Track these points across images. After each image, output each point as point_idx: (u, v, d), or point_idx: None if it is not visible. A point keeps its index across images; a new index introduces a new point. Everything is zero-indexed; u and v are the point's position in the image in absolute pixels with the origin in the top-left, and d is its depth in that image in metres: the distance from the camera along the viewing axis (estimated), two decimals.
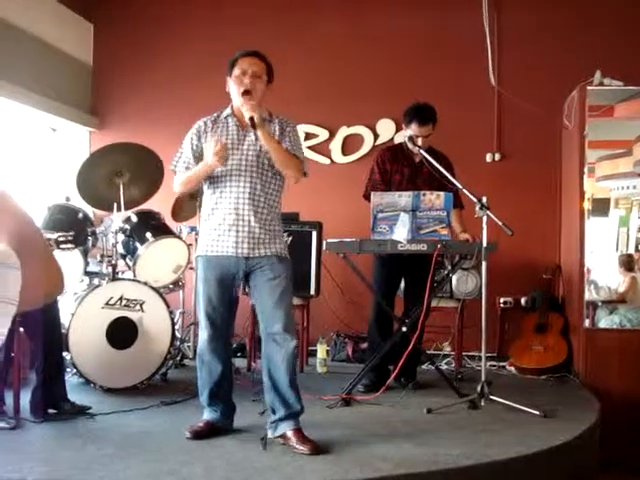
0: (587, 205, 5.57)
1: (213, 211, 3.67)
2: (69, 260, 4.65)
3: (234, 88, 3.66)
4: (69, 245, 4.15)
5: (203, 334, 3.71)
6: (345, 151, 6.46)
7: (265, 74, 3.68)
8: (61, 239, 4.11)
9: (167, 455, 3.37)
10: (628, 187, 6.41)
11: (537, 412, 4.18)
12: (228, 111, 3.75)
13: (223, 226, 3.61)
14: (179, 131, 6.51)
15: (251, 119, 3.52)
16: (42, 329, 3.94)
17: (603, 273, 6.21)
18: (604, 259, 6.34)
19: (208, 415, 3.76)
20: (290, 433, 3.52)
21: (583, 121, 5.52)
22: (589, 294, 5.71)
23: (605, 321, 5.87)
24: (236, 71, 3.64)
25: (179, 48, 6.84)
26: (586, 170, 5.53)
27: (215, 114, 3.78)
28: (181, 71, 6.80)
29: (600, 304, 5.99)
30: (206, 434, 3.66)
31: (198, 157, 3.70)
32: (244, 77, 3.61)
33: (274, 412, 3.61)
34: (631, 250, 6.44)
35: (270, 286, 3.62)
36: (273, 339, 3.61)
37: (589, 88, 5.51)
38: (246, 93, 3.58)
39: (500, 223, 4.24)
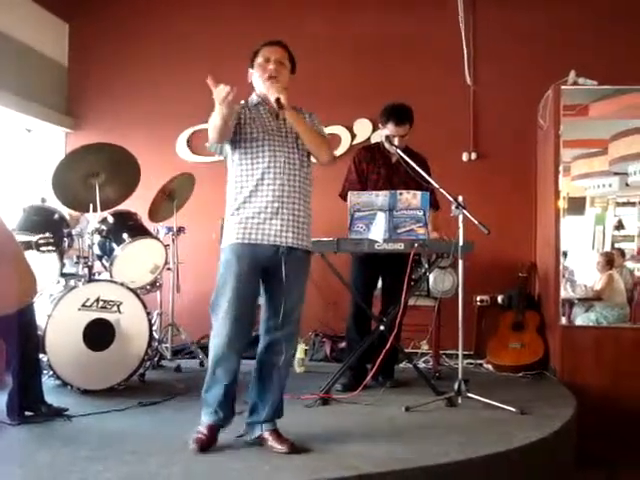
0: (563, 204, 5.62)
1: (252, 198, 3.45)
2: (45, 261, 4.61)
3: (258, 75, 3.55)
4: (50, 247, 4.13)
5: (226, 330, 3.42)
6: None
7: (288, 62, 3.61)
8: (41, 241, 4.09)
9: (145, 457, 3.34)
10: (603, 185, 6.47)
11: (514, 409, 4.21)
12: (256, 99, 3.61)
13: (264, 214, 3.43)
14: (155, 131, 6.58)
15: (277, 100, 3.39)
16: (17, 331, 3.90)
17: (579, 271, 6.26)
18: (580, 257, 6.39)
19: (210, 418, 3.48)
20: (267, 434, 3.50)
21: (558, 120, 5.56)
22: (565, 292, 5.76)
23: (582, 318, 5.93)
24: (259, 59, 3.55)
25: (155, 48, 6.84)
26: (561, 169, 5.58)
27: (242, 102, 3.57)
28: (157, 71, 6.79)
29: (576, 302, 6.05)
30: (213, 442, 3.43)
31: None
32: (267, 64, 3.53)
33: (253, 412, 3.57)
34: (607, 248, 6.51)
35: (295, 285, 3.51)
36: (279, 341, 3.52)
37: (563, 88, 5.56)
38: (271, 78, 3.49)
39: (476, 222, 4.26)
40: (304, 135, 3.50)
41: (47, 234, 4.27)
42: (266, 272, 3.49)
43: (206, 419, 3.49)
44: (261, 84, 3.53)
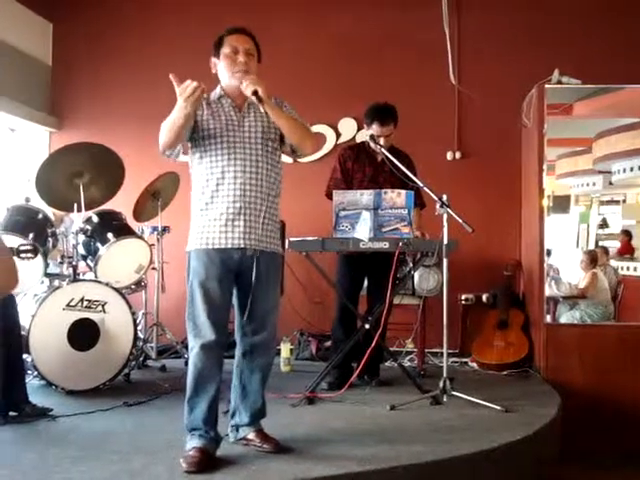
0: (547, 202, 5.65)
1: (213, 199, 3.30)
2: (29, 262, 4.59)
3: (224, 67, 3.35)
4: (29, 255, 4.11)
5: (202, 341, 3.27)
6: None
7: (255, 51, 3.40)
8: (22, 248, 4.07)
9: (131, 456, 3.34)
10: (588, 184, 6.51)
11: (498, 407, 4.23)
12: (219, 92, 3.42)
13: (226, 215, 3.28)
14: (139, 130, 6.56)
15: (255, 93, 3.19)
16: (1, 331, 3.89)
17: (564, 269, 6.30)
18: (565, 255, 6.43)
19: (199, 441, 3.27)
20: (252, 435, 3.47)
21: (542, 119, 5.59)
22: (550, 290, 5.79)
23: (566, 316, 5.96)
24: (225, 49, 3.34)
25: (138, 47, 6.82)
26: (545, 168, 5.60)
27: (204, 96, 3.30)
28: (140, 70, 6.77)
29: (561, 300, 6.08)
30: (206, 463, 3.16)
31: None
32: (236, 55, 3.32)
33: (235, 416, 3.54)
34: (591, 246, 6.54)
35: (267, 289, 3.39)
36: (255, 347, 3.44)
37: (547, 86, 5.58)
38: (245, 72, 3.29)
39: (460, 220, 4.27)
40: (285, 126, 3.32)
41: (28, 242, 4.26)
42: (237, 276, 3.36)
43: (194, 442, 3.28)
44: (228, 76, 3.36)
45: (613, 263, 6.40)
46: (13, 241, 4.47)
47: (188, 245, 3.40)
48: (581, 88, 5.75)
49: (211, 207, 3.32)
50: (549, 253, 5.95)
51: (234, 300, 3.44)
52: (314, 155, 6.43)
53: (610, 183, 6.43)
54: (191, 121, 3.27)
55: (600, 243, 6.61)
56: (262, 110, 3.29)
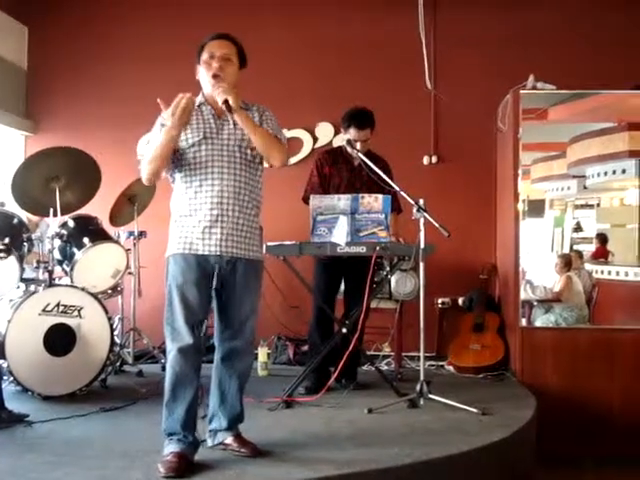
0: (522, 206, 5.68)
1: (190, 206, 3.32)
2: (4, 267, 4.56)
3: (203, 73, 3.36)
4: (2, 254, 4.08)
5: (180, 345, 3.27)
6: None
7: (236, 57, 3.39)
8: None
9: (107, 461, 3.33)
10: (562, 188, 6.56)
11: (475, 410, 4.26)
12: (200, 99, 3.41)
13: (204, 222, 3.28)
14: (116, 134, 6.55)
15: (225, 102, 3.21)
16: None
17: (539, 273, 6.34)
18: (540, 259, 6.47)
19: (177, 446, 3.26)
20: (230, 439, 3.48)
21: (517, 124, 5.63)
22: (525, 294, 5.83)
23: (541, 320, 5.99)
24: (204, 55, 3.35)
25: (114, 50, 6.79)
26: (520, 172, 5.64)
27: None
28: (117, 74, 6.75)
29: (536, 303, 6.12)
30: (184, 468, 3.15)
31: None
32: (213, 61, 3.33)
33: (213, 421, 3.53)
34: (566, 250, 6.59)
35: (245, 296, 3.40)
36: (234, 352, 3.45)
37: (522, 92, 5.62)
38: (215, 77, 3.30)
39: (437, 225, 4.30)
40: (253, 137, 3.31)
41: (2, 241, 4.23)
42: (215, 282, 3.34)
43: (171, 447, 3.27)
44: (207, 83, 3.37)
45: (587, 267, 6.45)
46: None
47: (167, 250, 3.41)
48: (556, 94, 5.81)
49: (189, 214, 3.34)
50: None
51: (214, 304, 3.44)
52: (291, 159, 6.46)
53: (584, 187, 6.48)
54: (176, 141, 3.29)
55: (575, 247, 6.65)
56: (232, 119, 3.30)
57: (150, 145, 3.33)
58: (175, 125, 3.19)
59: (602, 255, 6.54)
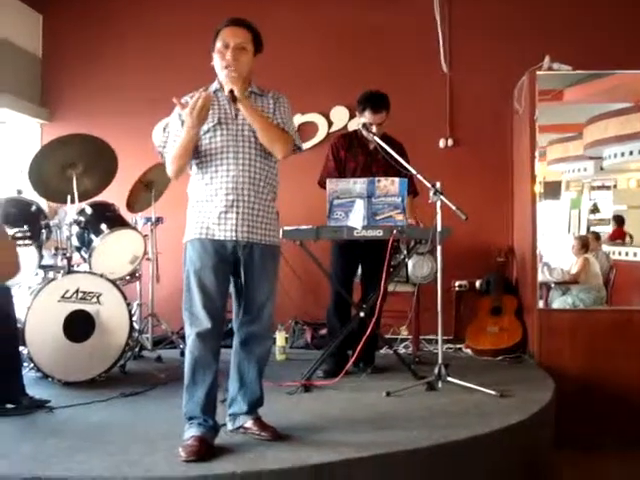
0: (539, 188, 5.66)
1: (207, 192, 3.35)
2: (23, 254, 4.58)
3: (217, 62, 3.37)
4: (26, 241, 4.12)
5: (198, 329, 3.30)
6: (300, 138, 6.43)
7: (250, 44, 3.39)
8: (18, 235, 4.07)
9: (128, 446, 3.36)
10: (579, 170, 6.53)
11: (493, 392, 4.26)
12: (216, 85, 3.44)
13: (220, 208, 3.31)
14: (132, 121, 6.56)
15: (231, 92, 3.26)
16: None
17: (556, 255, 6.32)
18: (557, 241, 6.45)
19: (197, 430, 3.29)
20: (250, 423, 3.50)
21: (533, 106, 5.59)
22: (542, 276, 5.81)
23: (559, 302, 5.98)
24: (218, 44, 3.35)
25: (130, 37, 6.80)
26: (537, 154, 5.61)
27: (202, 89, 3.38)
28: (132, 60, 6.76)
29: (553, 285, 6.10)
30: (205, 452, 3.18)
31: None
32: (226, 51, 3.33)
33: (233, 405, 3.55)
34: (582, 232, 6.57)
35: (262, 281, 3.41)
36: (252, 336, 3.47)
37: (538, 73, 5.59)
38: (227, 68, 3.31)
39: (454, 208, 4.29)
40: (257, 129, 3.33)
41: (24, 228, 4.26)
42: (232, 267, 3.38)
43: (192, 431, 3.30)
44: (220, 71, 3.38)
45: (605, 248, 6.43)
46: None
47: (185, 236, 3.44)
48: (572, 74, 5.76)
49: (206, 200, 3.36)
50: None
51: (232, 289, 3.46)
52: (307, 143, 6.44)
53: (601, 168, 6.45)
54: (197, 138, 3.33)
55: (591, 228, 6.63)
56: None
57: (171, 143, 3.37)
58: (194, 124, 3.23)
59: (619, 236, 6.51)
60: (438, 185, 4.41)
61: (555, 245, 6.38)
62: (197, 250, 3.35)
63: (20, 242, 4.08)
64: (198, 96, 3.22)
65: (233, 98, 3.28)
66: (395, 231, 4.49)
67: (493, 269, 6.15)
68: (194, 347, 3.33)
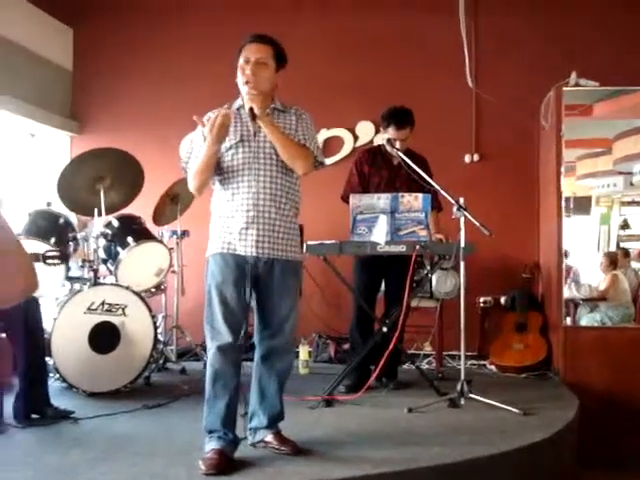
0: (568, 203, 5.63)
1: (228, 208, 3.37)
2: (55, 267, 4.65)
3: (239, 78, 3.38)
4: (56, 261, 4.18)
5: (219, 343, 3.33)
6: (325, 153, 6.47)
7: (272, 60, 3.39)
8: (48, 254, 4.14)
9: (151, 458, 3.39)
10: (608, 185, 6.49)
11: (516, 410, 4.24)
12: (239, 102, 3.46)
13: (241, 224, 3.32)
14: (159, 134, 6.63)
15: (250, 110, 3.30)
16: (24, 334, 3.95)
17: (585, 271, 6.28)
18: (586, 257, 6.41)
19: (217, 443, 3.30)
20: (270, 437, 3.50)
21: (560, 121, 5.59)
22: (570, 292, 5.78)
23: (587, 319, 5.95)
24: (240, 60, 3.37)
25: (158, 52, 6.88)
26: (563, 169, 5.59)
27: (225, 105, 3.43)
28: (162, 75, 6.83)
29: (581, 302, 6.06)
30: (224, 465, 3.19)
31: None
32: (247, 66, 3.34)
33: (254, 419, 3.56)
34: (612, 248, 6.52)
35: (283, 296, 3.43)
36: (273, 351, 3.48)
37: (565, 89, 5.58)
38: (247, 84, 3.34)
39: (478, 224, 4.28)
40: (277, 146, 3.35)
41: (55, 247, 4.32)
42: (254, 282, 3.39)
43: (212, 444, 3.31)
44: (242, 87, 3.40)
45: (634, 265, 6.38)
46: (36, 246, 4.54)
47: (207, 251, 3.47)
48: (599, 90, 5.74)
49: (227, 215, 3.39)
50: (566, 254, 5.94)
51: (253, 304, 3.48)
52: (332, 158, 6.48)
53: (631, 184, 6.41)
54: (218, 155, 3.36)
55: (621, 244, 6.59)
56: (275, 121, 3.39)
57: (193, 159, 3.41)
58: (214, 142, 3.27)
59: None
60: (462, 201, 4.41)
61: (584, 261, 6.35)
62: (219, 264, 3.38)
63: (49, 261, 4.14)
64: (217, 114, 3.26)
65: (253, 116, 3.31)
66: (418, 247, 4.49)
67: (519, 285, 6.11)
68: (215, 360, 3.36)
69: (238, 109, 3.46)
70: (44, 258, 4.18)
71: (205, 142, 3.32)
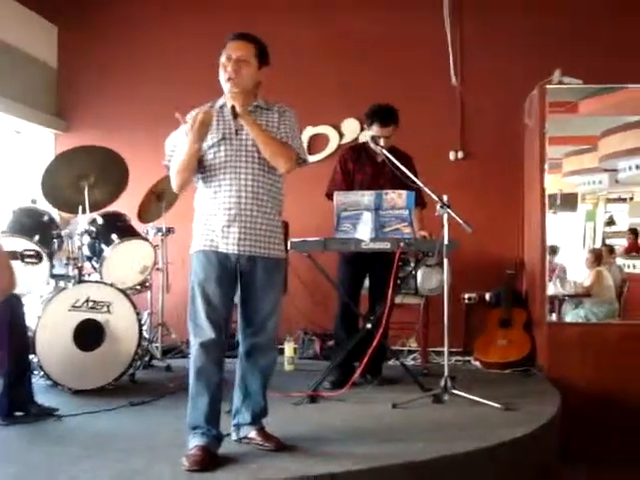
0: (554, 200, 5.66)
1: (211, 205, 3.38)
2: (33, 267, 4.63)
3: (221, 75, 3.38)
4: (33, 260, 4.17)
5: (201, 340, 3.33)
6: (311, 151, 6.50)
7: (254, 58, 3.38)
8: (26, 253, 4.13)
9: (135, 455, 3.38)
10: (594, 182, 6.53)
11: (498, 405, 4.26)
12: (222, 101, 3.46)
13: (223, 222, 3.33)
14: (144, 132, 6.61)
15: (232, 108, 3.30)
16: (7, 332, 3.94)
17: (571, 267, 6.31)
18: (572, 253, 6.45)
19: (201, 440, 3.30)
20: (253, 433, 3.51)
21: (543, 119, 5.61)
22: (554, 288, 5.81)
23: (571, 315, 5.98)
24: (222, 58, 3.37)
25: (144, 49, 6.87)
26: (547, 166, 5.61)
27: (208, 104, 3.43)
28: (146, 72, 6.83)
29: (566, 298, 6.09)
30: (208, 462, 3.19)
31: None
32: (228, 63, 3.34)
33: (237, 415, 3.57)
34: (598, 244, 6.56)
35: (266, 293, 3.43)
36: (256, 348, 3.48)
37: (548, 87, 5.60)
38: (229, 80, 3.34)
39: (460, 220, 4.29)
40: (259, 144, 3.34)
41: (33, 247, 4.31)
42: (237, 279, 3.41)
43: (196, 440, 3.31)
44: (224, 84, 3.40)
45: (619, 261, 6.42)
46: (18, 244, 4.53)
47: (191, 248, 3.48)
48: (582, 88, 5.77)
49: (210, 213, 3.39)
50: (555, 251, 5.97)
51: (237, 300, 3.49)
52: (318, 155, 6.50)
53: (616, 181, 6.45)
54: (199, 153, 3.36)
55: (607, 241, 6.63)
56: (258, 119, 3.39)
57: (176, 156, 3.40)
58: (195, 140, 3.27)
59: (634, 249, 6.51)
60: (445, 198, 4.42)
61: (570, 258, 6.38)
62: (201, 262, 3.39)
63: (27, 260, 4.13)
64: (198, 112, 3.26)
65: (234, 114, 3.32)
66: (402, 243, 4.50)
67: (503, 282, 6.13)
68: (198, 357, 3.36)
69: (221, 107, 3.46)
70: (22, 257, 4.16)
71: (186, 139, 3.31)
